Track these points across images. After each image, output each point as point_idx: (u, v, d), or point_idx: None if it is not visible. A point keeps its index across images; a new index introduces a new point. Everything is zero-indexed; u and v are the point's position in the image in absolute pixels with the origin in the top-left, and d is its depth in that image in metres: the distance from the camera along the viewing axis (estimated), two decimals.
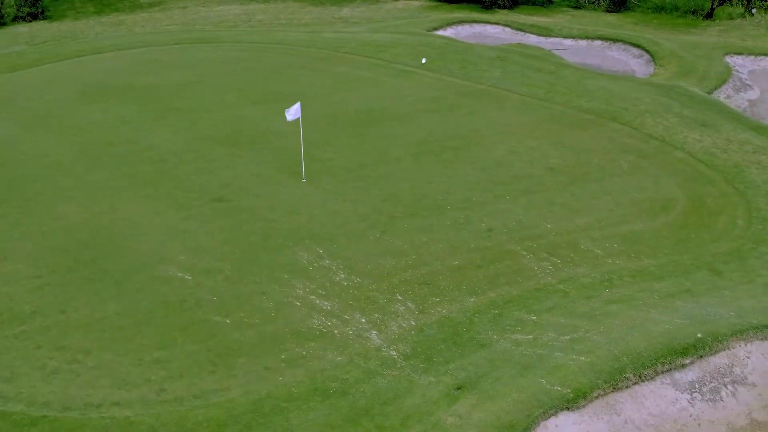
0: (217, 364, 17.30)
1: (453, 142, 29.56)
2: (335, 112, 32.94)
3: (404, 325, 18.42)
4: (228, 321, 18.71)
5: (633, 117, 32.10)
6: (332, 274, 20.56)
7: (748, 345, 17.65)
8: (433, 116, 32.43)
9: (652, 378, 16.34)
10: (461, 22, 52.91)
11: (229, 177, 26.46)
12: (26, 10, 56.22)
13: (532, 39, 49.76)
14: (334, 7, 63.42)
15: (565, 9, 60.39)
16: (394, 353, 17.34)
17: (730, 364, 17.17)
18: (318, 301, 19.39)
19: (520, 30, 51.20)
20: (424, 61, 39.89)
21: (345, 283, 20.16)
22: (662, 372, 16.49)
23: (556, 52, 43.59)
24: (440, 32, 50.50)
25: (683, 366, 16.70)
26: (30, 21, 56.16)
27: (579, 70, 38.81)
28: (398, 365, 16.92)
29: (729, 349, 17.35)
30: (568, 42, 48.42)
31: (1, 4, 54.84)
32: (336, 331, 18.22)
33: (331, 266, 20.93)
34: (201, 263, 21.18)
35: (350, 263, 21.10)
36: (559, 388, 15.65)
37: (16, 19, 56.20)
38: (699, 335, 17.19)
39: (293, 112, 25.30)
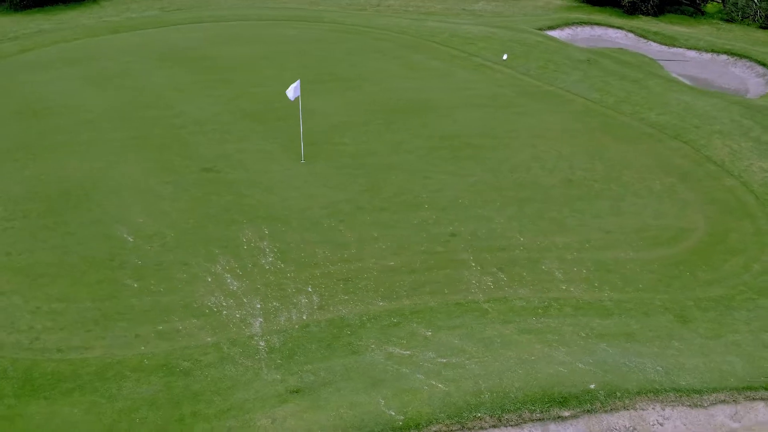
0: (98, 324, 17.28)
1: (479, 141, 27.54)
2: (381, 98, 31.91)
3: (294, 318, 17.34)
4: (135, 285, 18.65)
5: (700, 136, 28.09)
6: (261, 256, 19.84)
7: (667, 409, 14.72)
8: (476, 112, 30.42)
9: (516, 424, 14.06)
10: (581, 23, 49.35)
11: (232, 150, 26.45)
12: None
13: (653, 47, 45.36)
14: None
15: (714, 21, 54.45)
16: (263, 344, 16.36)
17: (631, 428, 14.40)
18: (229, 280, 18.79)
19: (643, 37, 46.77)
20: (505, 57, 37.64)
21: (267, 267, 19.37)
22: (532, 420, 14.14)
23: (661, 62, 39.30)
24: (555, 32, 47.32)
25: (561, 418, 14.22)
26: None
27: (669, 81, 34.64)
28: (257, 357, 15.94)
29: (634, 409, 14.54)
30: (691, 53, 43.54)
31: None
32: (225, 312, 17.55)
33: (266, 248, 20.21)
34: (151, 227, 21.31)
35: (286, 248, 20.26)
36: (392, 413, 13.92)
37: None
38: (592, 386, 14.58)
39: (293, 91, 24.74)
